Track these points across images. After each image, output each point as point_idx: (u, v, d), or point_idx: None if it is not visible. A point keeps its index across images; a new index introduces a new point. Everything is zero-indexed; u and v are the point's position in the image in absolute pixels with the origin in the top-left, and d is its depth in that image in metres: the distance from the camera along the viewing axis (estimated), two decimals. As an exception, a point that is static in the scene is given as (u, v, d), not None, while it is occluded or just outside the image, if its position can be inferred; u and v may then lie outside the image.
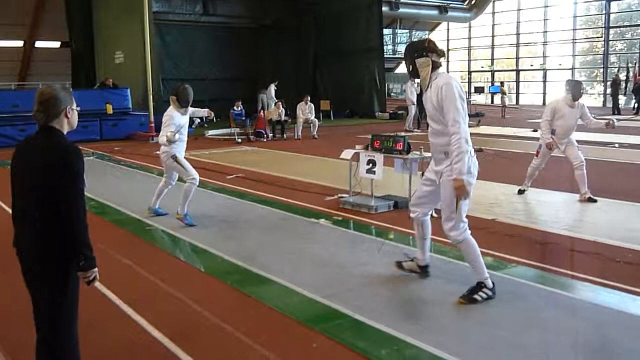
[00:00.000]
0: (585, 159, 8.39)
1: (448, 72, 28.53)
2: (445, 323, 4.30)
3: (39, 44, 31.48)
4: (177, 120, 7.18)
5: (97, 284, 3.04)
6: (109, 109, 18.61)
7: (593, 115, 8.62)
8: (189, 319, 4.49)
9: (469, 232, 4.69)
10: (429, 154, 7.84)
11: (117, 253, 6.11)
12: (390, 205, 7.99)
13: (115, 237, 6.94)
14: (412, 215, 5.10)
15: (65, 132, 3.10)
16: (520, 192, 8.84)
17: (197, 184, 7.34)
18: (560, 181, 9.23)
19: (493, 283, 4.68)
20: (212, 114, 8.07)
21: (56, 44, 31.29)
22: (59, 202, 2.88)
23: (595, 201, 8.18)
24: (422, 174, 5.25)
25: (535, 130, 8.78)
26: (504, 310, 4.49)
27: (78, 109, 3.20)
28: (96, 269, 2.96)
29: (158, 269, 5.65)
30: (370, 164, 7.87)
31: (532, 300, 4.71)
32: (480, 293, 4.61)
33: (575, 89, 8.27)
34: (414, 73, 4.73)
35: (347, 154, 8.25)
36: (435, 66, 4.63)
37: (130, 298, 4.82)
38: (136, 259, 5.95)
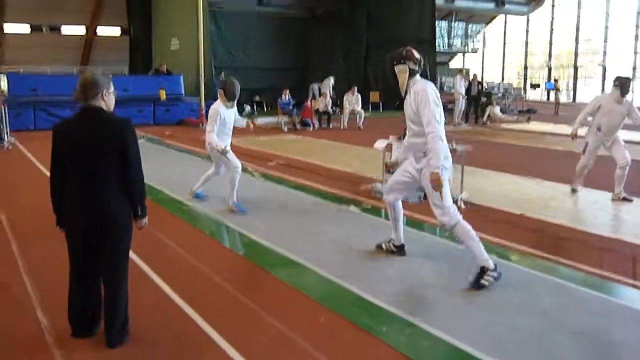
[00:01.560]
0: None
1: (503, 66, 28.17)
2: (445, 305, 4.49)
3: (100, 31, 32.63)
4: (222, 114, 7.35)
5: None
6: (162, 94, 19.25)
7: None
8: (207, 288, 4.86)
9: (460, 216, 4.95)
10: (462, 147, 8.08)
11: (152, 228, 6.50)
12: (420, 196, 8.11)
13: (153, 214, 7.34)
14: (385, 199, 5.56)
15: None
16: (573, 191, 8.65)
17: (240, 172, 7.51)
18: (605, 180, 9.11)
19: (495, 265, 4.88)
20: (252, 127, 8.08)
21: (116, 31, 32.39)
22: (130, 164, 3.56)
23: (631, 201, 8.11)
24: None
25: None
26: (503, 295, 4.65)
27: (115, 93, 3.68)
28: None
29: (187, 244, 6.05)
30: (402, 154, 8.03)
31: (536, 288, 4.85)
32: (486, 277, 4.80)
33: (624, 85, 8.06)
34: (393, 79, 5.11)
35: (380, 143, 8.44)
36: (412, 73, 5.03)
37: (159, 269, 5.21)
38: (169, 234, 6.35)
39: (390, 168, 5.70)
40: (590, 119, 8.44)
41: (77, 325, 3.79)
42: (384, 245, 5.73)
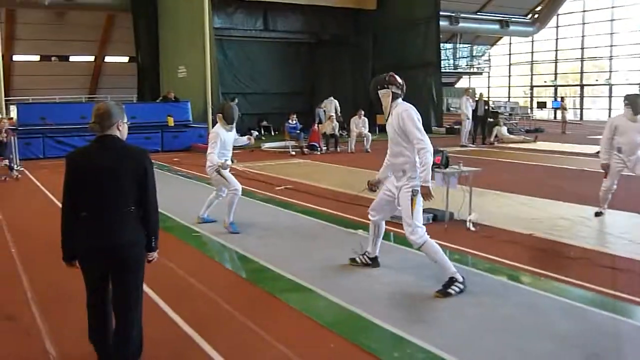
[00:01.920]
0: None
1: (509, 86, 28.32)
2: (458, 329, 4.44)
3: (108, 58, 33.06)
4: (222, 137, 7.69)
5: None
6: (170, 121, 19.42)
7: None
8: (216, 315, 4.84)
9: (427, 236, 5.26)
10: (467, 168, 8.08)
11: (161, 256, 6.49)
12: (429, 217, 8.09)
13: (162, 241, 7.35)
14: (371, 218, 5.85)
15: None
16: (597, 214, 8.34)
17: (240, 194, 7.77)
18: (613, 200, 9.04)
19: (463, 277, 5.19)
20: (252, 140, 8.48)
21: (124, 59, 32.81)
22: (147, 194, 3.56)
23: None
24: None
25: (598, 153, 8.44)
26: (515, 318, 4.60)
27: (128, 123, 3.70)
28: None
29: (196, 271, 6.05)
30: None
31: (550, 311, 4.80)
32: (453, 287, 5.14)
33: (636, 103, 7.94)
34: (377, 103, 5.47)
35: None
36: (395, 97, 5.40)
37: (168, 297, 5.19)
38: (177, 261, 6.34)
39: (372, 186, 5.92)
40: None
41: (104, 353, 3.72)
42: (358, 259, 6.04)
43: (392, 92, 5.38)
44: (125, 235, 3.52)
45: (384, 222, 5.94)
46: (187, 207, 9.22)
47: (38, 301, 5.20)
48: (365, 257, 6.01)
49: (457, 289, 5.12)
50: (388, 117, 5.41)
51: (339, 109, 22.21)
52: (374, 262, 5.99)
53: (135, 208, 3.53)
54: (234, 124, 7.89)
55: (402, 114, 5.22)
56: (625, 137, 7.99)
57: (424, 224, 5.32)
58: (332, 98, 22.67)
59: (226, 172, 7.72)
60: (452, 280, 5.15)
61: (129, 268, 3.58)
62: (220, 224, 7.89)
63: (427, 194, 5.17)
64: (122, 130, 3.60)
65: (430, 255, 5.27)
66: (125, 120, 3.64)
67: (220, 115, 7.81)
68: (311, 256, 6.55)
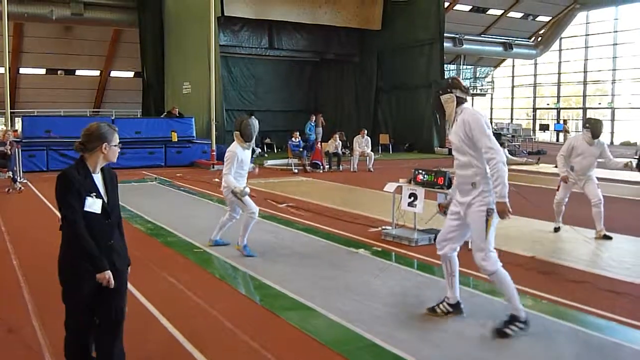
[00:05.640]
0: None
1: (512, 108, 28.26)
2: (460, 352, 4.43)
3: (114, 73, 33.28)
4: (240, 156, 7.32)
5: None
6: (174, 136, 19.49)
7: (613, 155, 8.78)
8: (217, 332, 4.82)
9: (500, 263, 4.76)
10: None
11: (163, 271, 6.52)
12: (431, 238, 8.09)
13: (164, 257, 7.37)
14: (440, 252, 5.19)
15: (97, 165, 3.55)
16: (556, 230, 8.89)
17: (256, 218, 7.43)
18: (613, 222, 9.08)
19: (527, 316, 4.72)
20: (257, 171, 8.24)
21: (130, 74, 33.06)
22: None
23: (610, 238, 8.28)
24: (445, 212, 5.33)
25: (556, 166, 9.09)
26: (522, 343, 4.59)
27: (120, 145, 3.64)
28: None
29: (197, 286, 6.03)
30: (412, 198, 8.04)
31: (552, 335, 4.78)
32: (512, 327, 4.65)
33: (595, 127, 8.43)
34: (440, 110, 4.98)
35: (391, 186, 8.45)
36: (460, 102, 4.89)
37: (169, 312, 5.18)
38: (178, 277, 6.34)
39: (444, 209, 5.30)
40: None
41: None
42: (438, 309, 5.19)
43: (457, 96, 4.86)
44: (124, 250, 3.76)
45: (456, 255, 5.16)
46: (189, 223, 9.25)
47: (39, 314, 5.20)
48: (445, 305, 5.17)
49: (516, 329, 4.62)
50: (453, 123, 4.88)
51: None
52: (455, 308, 5.15)
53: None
54: (252, 142, 7.58)
55: (469, 119, 4.69)
56: (580, 158, 8.48)
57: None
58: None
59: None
60: (513, 318, 4.67)
61: (126, 282, 3.76)
62: (229, 247, 7.67)
63: (504, 211, 4.58)
64: (107, 154, 3.53)
65: (499, 285, 4.78)
66: (115, 143, 3.56)
67: (238, 133, 7.37)
68: (312, 275, 6.54)
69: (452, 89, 4.90)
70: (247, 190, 7.29)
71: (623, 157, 9.99)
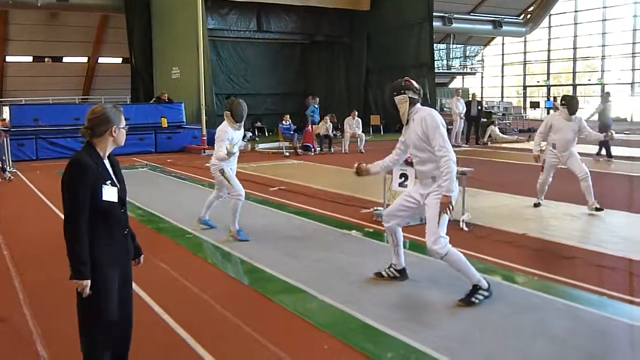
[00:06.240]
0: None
1: (503, 86, 28.33)
2: (454, 331, 4.44)
3: (101, 59, 33.01)
4: (230, 135, 7.30)
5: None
6: (164, 122, 19.39)
7: (626, 129, 8.73)
8: (208, 316, 4.82)
9: (449, 245, 5.01)
10: (461, 168, 8.07)
11: (155, 257, 6.50)
12: (423, 218, 8.10)
13: (155, 243, 7.35)
14: (385, 224, 5.57)
15: (107, 149, 3.31)
16: (536, 205, 9.09)
17: (243, 199, 7.44)
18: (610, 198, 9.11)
19: (488, 283, 5.01)
20: (249, 146, 8.21)
21: (118, 60, 32.79)
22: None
23: (602, 209, 8.39)
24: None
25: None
26: (512, 319, 4.62)
27: (126, 127, 3.40)
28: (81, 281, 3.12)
29: (189, 272, 6.03)
30: (403, 178, 8.02)
31: (544, 311, 4.81)
32: (477, 295, 4.95)
33: (571, 104, 8.63)
34: (394, 110, 5.26)
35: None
36: (413, 102, 5.19)
37: (161, 299, 5.17)
38: (170, 263, 6.33)
39: (360, 171, 5.68)
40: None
41: None
42: (384, 272, 5.66)
43: (410, 97, 5.16)
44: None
45: (400, 229, 5.59)
46: (180, 209, 9.21)
47: (30, 303, 5.17)
48: (392, 270, 5.63)
49: (481, 297, 4.93)
50: (407, 123, 5.20)
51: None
52: (401, 274, 5.61)
53: None
54: (242, 123, 7.51)
55: (426, 119, 4.99)
56: (559, 135, 8.64)
57: (416, 224, 5.26)
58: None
59: (231, 175, 7.40)
60: (476, 288, 4.96)
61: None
62: (221, 230, 7.71)
63: (447, 203, 4.86)
64: (117, 137, 3.30)
65: (453, 265, 5.04)
66: (122, 125, 3.34)
67: (229, 112, 7.33)
68: (305, 257, 6.54)
69: (405, 90, 5.20)
70: (236, 148, 7.29)
71: (614, 132, 10.02)
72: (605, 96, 16.89)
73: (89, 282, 3.10)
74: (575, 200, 8.94)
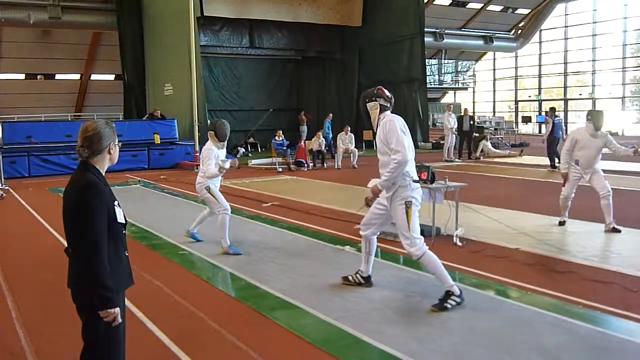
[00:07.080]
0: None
1: (494, 101, 28.46)
2: (447, 346, 4.44)
3: (94, 76, 33.02)
4: (215, 153, 7.52)
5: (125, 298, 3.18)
6: (157, 138, 19.40)
7: (620, 143, 8.66)
8: (203, 334, 4.79)
9: (426, 247, 5.26)
10: (454, 183, 8.12)
11: (148, 274, 6.47)
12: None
13: (149, 259, 7.33)
14: (362, 233, 5.82)
15: (105, 168, 3.14)
16: (561, 223, 8.76)
17: (229, 213, 7.59)
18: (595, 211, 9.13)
19: (460, 290, 5.22)
20: (237, 164, 8.45)
21: (110, 77, 32.82)
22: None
23: (619, 231, 8.18)
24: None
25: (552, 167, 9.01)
26: (505, 334, 4.61)
27: (120, 144, 3.26)
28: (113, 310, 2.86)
29: (182, 288, 6.01)
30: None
31: (537, 326, 4.81)
32: (450, 301, 5.15)
33: (597, 119, 8.33)
34: (366, 115, 5.58)
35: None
36: (383, 109, 5.48)
37: (155, 315, 5.15)
38: (163, 279, 6.31)
39: (369, 202, 5.74)
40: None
41: None
42: (351, 277, 5.93)
43: (380, 104, 5.45)
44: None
45: (375, 238, 5.89)
46: (173, 225, 9.19)
47: (22, 321, 5.14)
48: (358, 276, 5.92)
49: (453, 303, 5.13)
50: (377, 128, 5.46)
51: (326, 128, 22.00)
52: (367, 281, 5.90)
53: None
54: (226, 142, 7.75)
55: (387, 123, 5.28)
56: (584, 151, 8.37)
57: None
58: (327, 120, 22.51)
59: (216, 191, 7.63)
60: (448, 294, 5.15)
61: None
62: (209, 244, 7.81)
63: (373, 193, 5.35)
64: (113, 154, 3.14)
65: (428, 267, 5.30)
66: (117, 141, 3.17)
67: (212, 132, 7.59)
68: (298, 273, 6.53)
69: (377, 97, 5.50)
70: (228, 164, 7.47)
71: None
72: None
73: (118, 309, 2.87)
74: (572, 215, 8.90)
